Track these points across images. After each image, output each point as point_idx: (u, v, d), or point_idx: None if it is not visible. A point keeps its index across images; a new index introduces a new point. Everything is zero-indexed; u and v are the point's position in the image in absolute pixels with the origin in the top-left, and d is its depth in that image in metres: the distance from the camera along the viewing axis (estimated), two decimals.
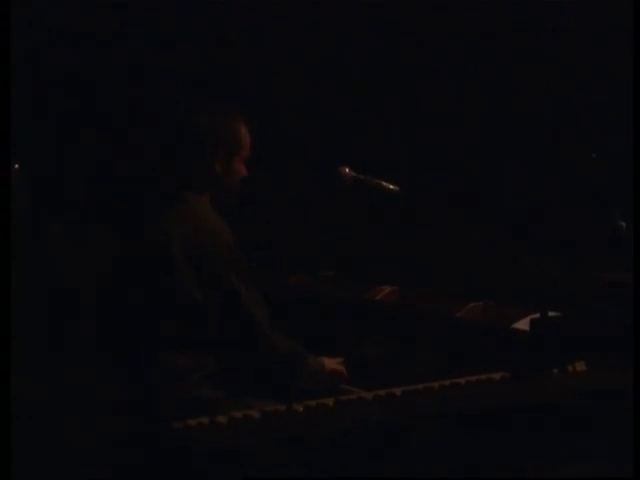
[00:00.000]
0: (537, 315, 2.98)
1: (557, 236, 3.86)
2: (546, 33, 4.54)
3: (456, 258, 3.74)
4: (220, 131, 3.27)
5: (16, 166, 4.37)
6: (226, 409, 2.70)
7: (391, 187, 3.49)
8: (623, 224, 3.33)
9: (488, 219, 4.16)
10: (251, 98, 4.49)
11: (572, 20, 4.47)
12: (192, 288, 3.09)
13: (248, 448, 2.46)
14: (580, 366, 2.90)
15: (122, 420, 3.17)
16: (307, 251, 4.15)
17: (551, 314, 2.97)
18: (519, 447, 2.72)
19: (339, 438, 2.54)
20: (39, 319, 4.31)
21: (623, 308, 2.93)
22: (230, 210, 3.30)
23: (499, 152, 4.53)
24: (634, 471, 2.74)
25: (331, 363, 3.33)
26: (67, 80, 4.66)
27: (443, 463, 2.62)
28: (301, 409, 2.65)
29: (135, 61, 4.71)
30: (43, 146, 4.67)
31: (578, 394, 2.84)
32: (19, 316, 3.18)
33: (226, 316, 3.13)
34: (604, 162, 3.98)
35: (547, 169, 4.26)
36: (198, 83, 4.71)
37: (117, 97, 4.70)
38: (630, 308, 2.88)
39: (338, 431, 2.57)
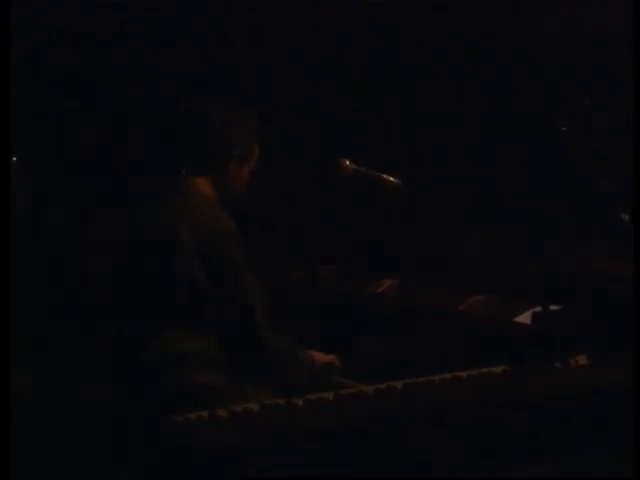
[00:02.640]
0: (539, 309, 2.97)
1: (558, 230, 3.86)
2: (546, 33, 4.54)
3: (457, 252, 3.75)
4: (243, 133, 3.34)
5: (13, 159, 4.37)
6: (225, 397, 2.71)
7: (391, 180, 3.52)
8: (626, 217, 3.34)
9: (489, 214, 4.16)
10: (251, 98, 4.49)
11: (572, 20, 4.47)
12: (199, 274, 3.14)
13: (248, 442, 2.44)
14: (581, 360, 2.89)
15: (122, 411, 3.18)
16: (308, 246, 4.15)
17: (553, 308, 2.96)
18: (520, 442, 2.71)
19: (339, 432, 2.53)
20: (40, 318, 4.31)
21: (625, 301, 2.93)
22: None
23: (499, 150, 4.53)
24: (634, 471, 2.72)
25: (323, 357, 3.36)
26: (67, 80, 4.66)
27: (444, 457, 2.62)
28: (301, 403, 2.65)
29: (135, 61, 4.71)
30: (43, 146, 4.67)
31: (580, 388, 2.82)
32: (19, 316, 3.19)
33: (226, 304, 3.16)
34: (604, 160, 3.98)
35: (547, 166, 4.25)
36: (198, 83, 4.71)
37: (117, 97, 4.71)
38: (631, 302, 2.87)
39: (338, 425, 2.55)
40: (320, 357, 3.34)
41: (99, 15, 4.64)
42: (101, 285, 4.21)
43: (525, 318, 3.09)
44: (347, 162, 3.53)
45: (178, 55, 4.73)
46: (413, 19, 4.71)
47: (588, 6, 4.41)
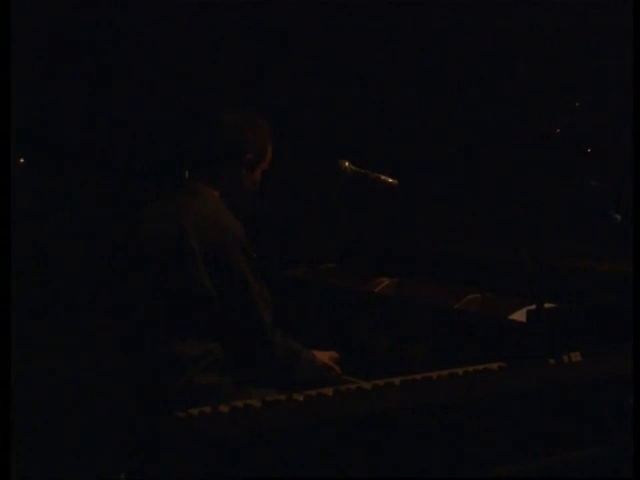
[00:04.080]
0: (533, 306, 2.99)
1: (555, 229, 3.89)
2: (546, 33, 4.57)
3: (455, 251, 3.77)
4: (255, 138, 3.31)
5: (21, 160, 4.39)
6: (229, 396, 2.72)
7: (390, 180, 3.53)
8: (618, 216, 3.36)
9: (488, 214, 4.18)
10: (251, 97, 4.51)
11: (572, 20, 4.50)
12: (204, 278, 3.12)
13: (249, 437, 2.47)
14: (576, 356, 2.91)
15: (126, 409, 3.19)
16: (308, 243, 4.17)
17: (547, 305, 2.98)
18: (516, 437, 2.73)
19: (339, 428, 2.55)
20: (39, 317, 4.34)
21: (619, 298, 2.95)
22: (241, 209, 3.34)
23: (499, 150, 4.55)
24: (634, 471, 2.74)
25: (323, 357, 3.37)
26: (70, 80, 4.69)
27: (441, 453, 2.64)
28: (301, 399, 2.67)
29: (136, 61, 4.74)
30: (45, 146, 4.70)
31: (574, 384, 2.84)
32: (19, 316, 3.21)
33: (233, 308, 3.16)
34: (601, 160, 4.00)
35: (546, 164, 4.28)
36: (198, 84, 4.73)
37: (118, 99, 4.74)
38: (625, 298, 2.89)
39: (338, 421, 2.57)
40: (320, 355, 3.36)
41: (99, 15, 4.67)
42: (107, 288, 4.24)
43: (520, 316, 3.11)
44: (346, 163, 3.55)
45: (178, 55, 4.75)
46: (413, 19, 4.74)
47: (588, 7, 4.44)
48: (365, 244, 4.06)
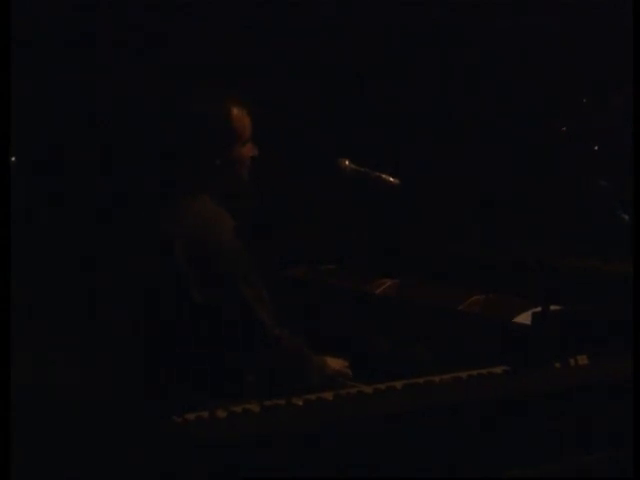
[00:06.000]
0: (539, 309, 2.97)
1: (559, 229, 3.87)
2: (546, 33, 4.57)
3: (457, 252, 3.75)
4: (210, 124, 3.15)
5: (12, 159, 4.37)
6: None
7: (391, 180, 3.50)
8: (626, 217, 3.35)
9: (488, 214, 4.17)
10: (251, 96, 4.49)
11: (572, 21, 4.49)
12: (194, 289, 3.05)
13: (248, 442, 2.44)
14: (582, 360, 2.89)
15: (121, 418, 3.18)
16: (308, 243, 4.16)
17: (553, 308, 2.96)
18: (520, 441, 2.71)
19: (339, 432, 2.52)
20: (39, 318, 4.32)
21: (625, 300, 2.92)
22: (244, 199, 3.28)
23: (499, 150, 4.55)
24: (634, 471, 2.72)
25: (335, 363, 3.31)
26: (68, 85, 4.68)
27: (444, 457, 2.61)
28: (301, 403, 2.64)
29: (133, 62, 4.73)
30: (41, 145, 4.68)
31: (580, 388, 2.82)
32: (19, 316, 3.18)
33: (230, 317, 3.09)
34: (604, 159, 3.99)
35: (548, 164, 4.27)
36: (199, 80, 4.71)
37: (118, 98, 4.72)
38: (632, 299, 2.88)
39: (338, 425, 2.54)
40: (332, 362, 3.28)
41: (99, 15, 4.66)
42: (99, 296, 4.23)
43: (525, 318, 3.09)
44: (347, 162, 3.52)
45: (178, 52, 4.74)
46: (413, 18, 4.73)
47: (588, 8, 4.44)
48: (365, 244, 4.04)
